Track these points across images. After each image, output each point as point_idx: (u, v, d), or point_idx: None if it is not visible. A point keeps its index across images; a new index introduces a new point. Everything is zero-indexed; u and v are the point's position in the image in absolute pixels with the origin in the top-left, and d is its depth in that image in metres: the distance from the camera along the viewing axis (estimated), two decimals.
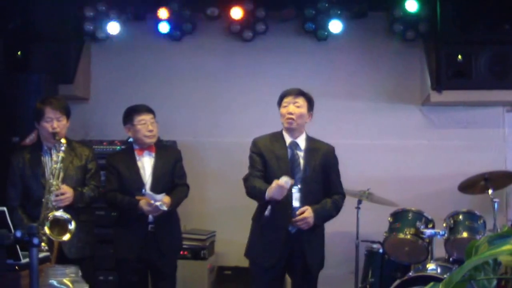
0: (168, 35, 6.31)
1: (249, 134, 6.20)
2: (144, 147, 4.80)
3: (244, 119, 6.28)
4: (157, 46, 6.41)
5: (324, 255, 4.54)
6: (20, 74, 5.79)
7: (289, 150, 4.42)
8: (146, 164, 4.80)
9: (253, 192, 4.36)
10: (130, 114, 4.80)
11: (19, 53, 6.01)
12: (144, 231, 4.67)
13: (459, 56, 5.72)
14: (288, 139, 4.46)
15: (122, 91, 6.36)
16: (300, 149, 4.44)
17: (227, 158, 6.25)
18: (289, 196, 4.26)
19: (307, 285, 4.47)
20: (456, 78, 5.74)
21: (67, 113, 4.48)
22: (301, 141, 4.47)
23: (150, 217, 4.66)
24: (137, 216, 4.64)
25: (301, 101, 4.42)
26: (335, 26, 6.02)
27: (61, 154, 4.27)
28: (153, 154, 4.82)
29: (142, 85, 6.37)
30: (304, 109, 4.42)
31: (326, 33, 6.14)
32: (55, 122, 4.36)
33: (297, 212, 4.27)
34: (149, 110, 4.82)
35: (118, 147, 5.69)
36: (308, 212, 4.26)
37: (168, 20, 6.20)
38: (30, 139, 5.47)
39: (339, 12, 6.02)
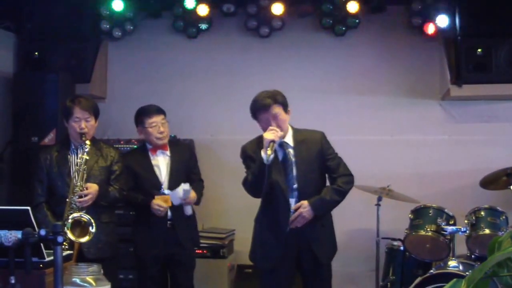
0: (184, 33, 6.30)
1: None
2: (157, 147, 4.81)
3: None
4: (174, 43, 6.41)
5: (335, 243, 4.42)
6: (37, 74, 5.83)
7: (280, 151, 4.30)
8: (161, 163, 4.82)
9: (252, 176, 4.20)
10: (140, 117, 4.80)
11: (36, 53, 6.03)
12: (164, 227, 4.72)
13: (479, 50, 5.65)
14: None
15: (139, 90, 6.36)
16: (290, 147, 4.32)
17: None
18: (286, 196, 4.21)
19: (320, 279, 4.36)
20: (476, 71, 5.67)
21: (96, 114, 4.46)
22: (289, 138, 4.35)
23: (169, 214, 4.71)
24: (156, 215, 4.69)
25: (277, 109, 4.27)
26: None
27: (85, 156, 4.25)
28: (167, 152, 4.84)
29: (159, 83, 6.37)
30: (283, 115, 4.28)
31: (343, 28, 6.09)
32: (83, 123, 4.34)
33: (293, 208, 4.21)
34: (159, 111, 4.80)
35: (136, 146, 5.69)
36: (302, 207, 4.18)
37: (184, 18, 6.19)
38: (48, 139, 5.48)
39: (356, 6, 5.98)
